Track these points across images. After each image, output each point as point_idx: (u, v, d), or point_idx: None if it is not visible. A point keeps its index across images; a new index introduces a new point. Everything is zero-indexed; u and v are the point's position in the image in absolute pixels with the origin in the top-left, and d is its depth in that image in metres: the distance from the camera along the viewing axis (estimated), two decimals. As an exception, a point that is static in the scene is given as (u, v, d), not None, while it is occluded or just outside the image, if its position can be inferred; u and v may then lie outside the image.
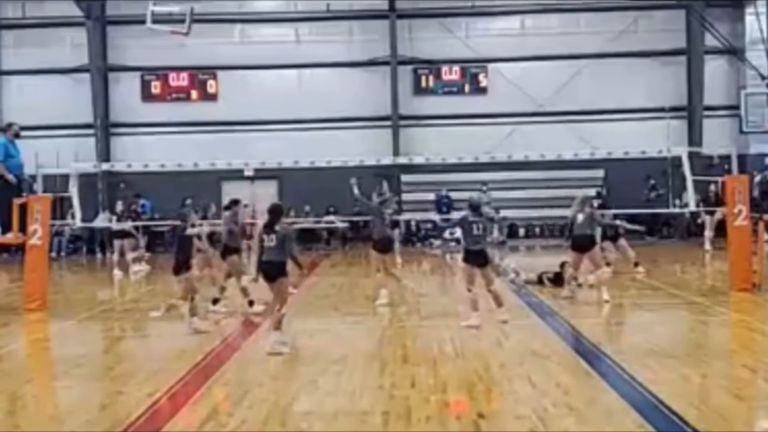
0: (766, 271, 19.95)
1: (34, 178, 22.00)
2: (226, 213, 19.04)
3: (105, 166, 35.47)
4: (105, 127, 41.29)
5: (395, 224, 26.82)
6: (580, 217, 18.71)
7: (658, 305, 18.60)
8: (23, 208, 19.38)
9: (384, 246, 18.99)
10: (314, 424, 9.57)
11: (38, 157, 32.05)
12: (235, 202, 19.16)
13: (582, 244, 18.63)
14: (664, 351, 13.01)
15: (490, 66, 40.73)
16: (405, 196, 39.03)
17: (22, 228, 19.08)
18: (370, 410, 9.99)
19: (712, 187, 27.90)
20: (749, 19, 39.37)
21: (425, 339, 14.42)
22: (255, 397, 10.89)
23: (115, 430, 9.52)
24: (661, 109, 38.88)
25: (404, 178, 39.72)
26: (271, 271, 13.95)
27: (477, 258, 15.43)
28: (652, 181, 32.23)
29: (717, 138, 37.27)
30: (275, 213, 14.15)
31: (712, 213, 28.30)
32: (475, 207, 15.80)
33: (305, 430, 9.38)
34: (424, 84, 41.16)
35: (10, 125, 20.76)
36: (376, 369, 12.17)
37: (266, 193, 37.64)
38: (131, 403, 10.68)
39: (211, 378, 12.15)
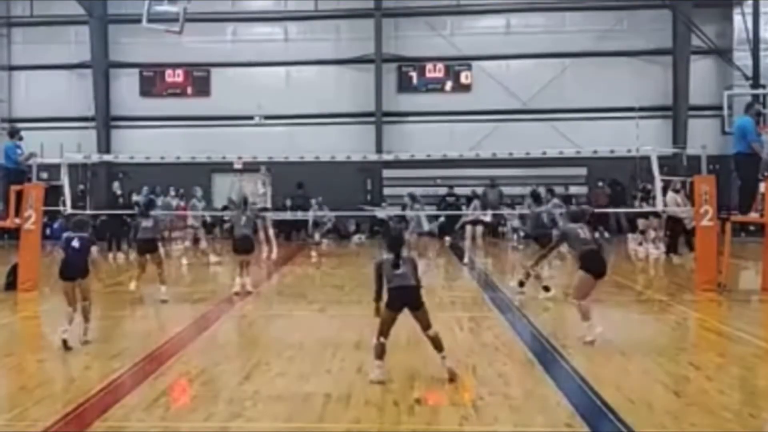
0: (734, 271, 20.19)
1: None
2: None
3: (107, 157, 36.27)
4: (105, 121, 42.23)
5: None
6: (582, 233, 14.43)
7: (619, 302, 18.70)
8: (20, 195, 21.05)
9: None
10: (258, 403, 10.01)
11: (43, 147, 32.53)
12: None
13: (599, 268, 14.17)
14: (613, 346, 13.21)
15: (474, 64, 41.02)
16: (386, 191, 39.54)
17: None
18: (313, 392, 10.41)
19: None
20: (737, 19, 39.44)
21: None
22: (209, 376, 11.50)
23: (76, 401, 10.10)
24: (649, 109, 39.18)
25: (386, 173, 40.12)
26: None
27: None
28: (642, 184, 32.16)
29: (702, 138, 37.47)
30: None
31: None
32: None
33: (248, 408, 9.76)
34: (408, 81, 41.52)
35: (18, 131, 22.61)
36: (328, 354, 12.57)
37: (253, 186, 38.09)
38: (96, 377, 11.34)
39: (173, 357, 12.76)
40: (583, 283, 13.95)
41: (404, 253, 11.58)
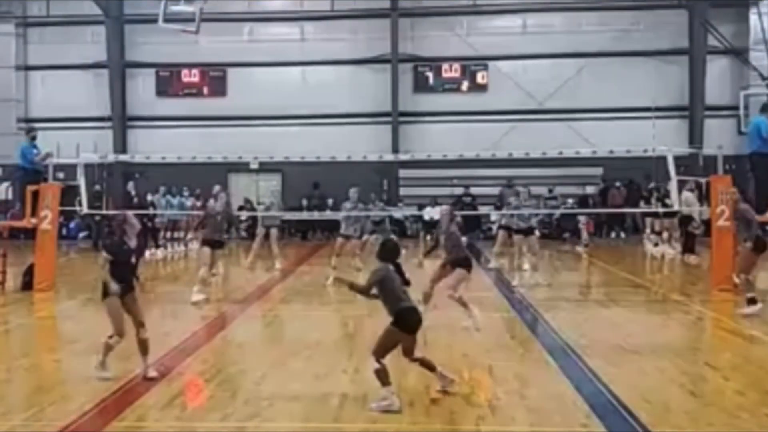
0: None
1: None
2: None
3: (123, 157, 36.24)
4: (122, 121, 42.34)
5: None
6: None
7: (636, 302, 18.81)
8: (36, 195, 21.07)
9: None
10: (275, 403, 10.03)
11: (59, 147, 32.59)
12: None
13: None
14: (630, 346, 13.22)
15: (491, 64, 41.00)
16: (403, 191, 39.50)
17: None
18: (330, 392, 10.41)
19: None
20: (753, 19, 39.32)
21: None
22: (226, 376, 11.51)
23: (93, 401, 10.09)
24: (665, 109, 39.00)
25: (402, 173, 40.07)
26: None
27: None
28: (653, 184, 31.87)
29: (718, 138, 37.14)
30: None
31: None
32: None
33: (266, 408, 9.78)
34: (424, 81, 41.53)
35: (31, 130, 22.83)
36: (345, 354, 12.57)
37: (269, 185, 38.22)
38: (113, 377, 11.26)
39: (190, 357, 12.82)
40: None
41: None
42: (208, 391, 10.71)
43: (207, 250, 19.33)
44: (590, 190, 39.21)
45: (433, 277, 15.51)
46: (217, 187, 28.42)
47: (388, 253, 10.55)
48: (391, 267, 10.35)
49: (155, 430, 9.12)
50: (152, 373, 11.42)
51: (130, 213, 12.40)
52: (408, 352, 10.34)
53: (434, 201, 38.09)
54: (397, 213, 36.71)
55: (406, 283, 10.49)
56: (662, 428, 8.96)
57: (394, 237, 14.88)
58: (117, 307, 11.39)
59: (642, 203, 31.92)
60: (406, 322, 10.09)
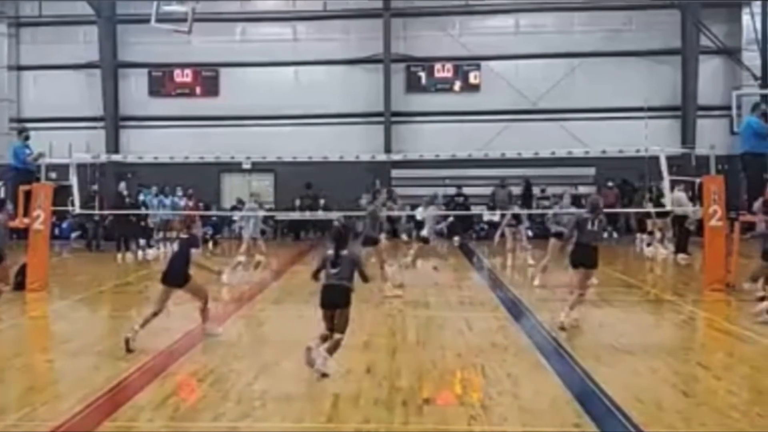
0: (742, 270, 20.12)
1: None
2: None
3: (116, 157, 35.87)
4: (114, 121, 42.23)
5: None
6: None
7: (628, 302, 18.81)
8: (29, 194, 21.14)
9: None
10: (267, 403, 10.02)
11: (52, 147, 32.45)
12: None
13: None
14: (622, 347, 13.22)
15: (483, 64, 40.96)
16: (395, 191, 39.45)
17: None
18: (323, 392, 10.42)
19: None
20: (746, 19, 39.38)
21: (391, 327, 14.85)
22: (219, 376, 11.46)
23: (85, 401, 10.08)
24: (657, 109, 39.01)
25: (395, 173, 39.97)
26: None
27: None
28: (651, 183, 31.62)
29: (710, 138, 36.98)
30: None
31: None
32: None
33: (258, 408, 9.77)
34: (417, 81, 41.51)
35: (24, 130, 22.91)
36: (337, 354, 12.48)
37: (262, 186, 38.26)
38: (105, 377, 11.31)
39: (183, 356, 12.84)
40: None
41: (345, 251, 11.46)
42: (200, 391, 10.71)
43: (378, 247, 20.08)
44: (583, 190, 39.12)
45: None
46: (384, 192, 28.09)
47: (333, 237, 11.82)
48: (332, 252, 11.48)
49: (147, 430, 9.10)
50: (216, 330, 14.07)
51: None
52: (334, 327, 11.41)
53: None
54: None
55: (365, 280, 11.72)
56: (655, 428, 8.96)
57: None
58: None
59: (644, 203, 31.80)
60: (320, 299, 11.60)
